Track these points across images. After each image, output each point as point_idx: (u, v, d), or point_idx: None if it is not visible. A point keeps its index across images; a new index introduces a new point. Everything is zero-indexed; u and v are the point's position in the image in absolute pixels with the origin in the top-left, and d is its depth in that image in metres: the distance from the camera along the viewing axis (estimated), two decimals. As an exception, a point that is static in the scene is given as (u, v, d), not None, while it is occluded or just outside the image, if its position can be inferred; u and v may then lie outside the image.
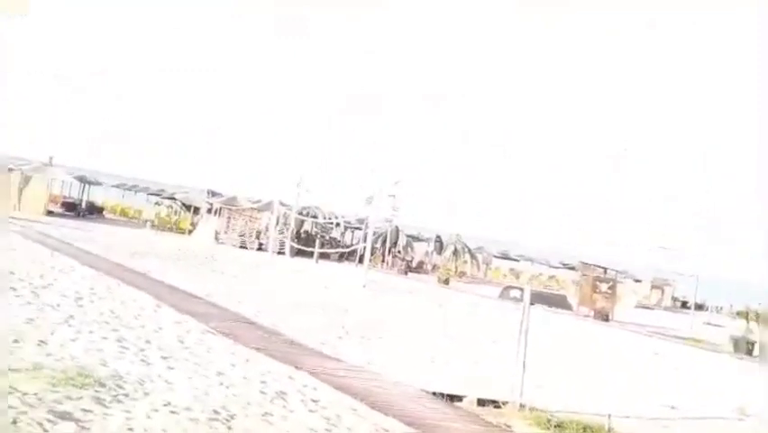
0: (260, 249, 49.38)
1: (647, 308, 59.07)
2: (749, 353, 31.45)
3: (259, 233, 52.41)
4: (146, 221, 55.88)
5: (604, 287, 41.68)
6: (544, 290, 51.41)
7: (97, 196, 63.59)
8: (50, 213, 48.71)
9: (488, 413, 12.35)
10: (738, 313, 34.91)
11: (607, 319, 39.01)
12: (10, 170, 46.04)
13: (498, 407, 12.81)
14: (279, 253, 48.29)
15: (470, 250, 65.26)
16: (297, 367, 13.04)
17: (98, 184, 62.07)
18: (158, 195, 65.08)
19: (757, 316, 33.32)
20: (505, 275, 66.51)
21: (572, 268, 62.56)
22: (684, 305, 64.96)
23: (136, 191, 69.16)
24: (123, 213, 64.56)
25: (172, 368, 11.48)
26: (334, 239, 58.87)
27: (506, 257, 72.40)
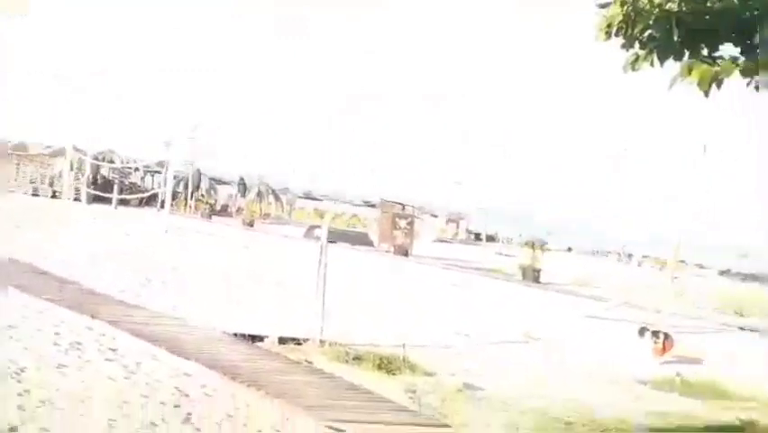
0: (54, 197, 47.23)
1: (444, 241, 61.55)
2: (536, 280, 33.66)
3: (52, 179, 50.08)
4: None
5: (403, 223, 43.01)
6: (347, 229, 52.44)
7: None
8: None
9: (289, 351, 12.64)
10: (526, 243, 37.13)
11: (406, 254, 40.38)
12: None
13: (300, 344, 13.14)
14: (76, 200, 46.39)
15: (274, 191, 65.34)
16: (93, 316, 12.77)
17: None
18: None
19: (542, 245, 35.67)
20: (309, 214, 67.14)
21: (374, 206, 64.10)
22: (477, 237, 68.29)
23: None
24: None
25: (-44, 325, 10.98)
26: (134, 184, 57.21)
27: (310, 197, 73.01)
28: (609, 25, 6.31)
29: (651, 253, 60.94)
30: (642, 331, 16.44)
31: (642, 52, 6.31)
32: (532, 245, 35.31)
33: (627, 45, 6.38)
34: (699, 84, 5.97)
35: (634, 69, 6.41)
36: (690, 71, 6.01)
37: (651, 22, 6.14)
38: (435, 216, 68.90)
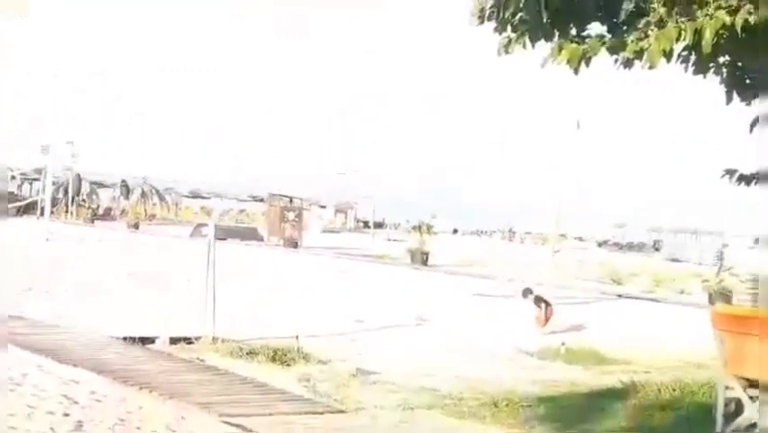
0: None
1: (333, 231, 61.77)
2: (424, 263, 34.25)
3: None
4: None
5: (291, 215, 43.06)
6: (235, 225, 52.04)
7: None
8: None
9: (181, 350, 12.55)
10: (413, 228, 37.69)
11: (296, 246, 40.41)
12: None
13: (191, 343, 13.05)
14: (-54, 213, 44.42)
15: (158, 192, 64.17)
16: (-29, 331, 12.36)
17: None
18: None
19: (429, 228, 36.28)
20: (196, 213, 66.21)
21: (262, 200, 63.71)
22: (366, 225, 68.86)
23: None
24: None
25: None
26: (11, 193, 55.24)
27: (196, 196, 72.05)
28: (482, 10, 6.48)
29: (533, 229, 62.77)
30: (525, 292, 16.97)
31: (514, 35, 6.47)
32: (419, 229, 35.87)
33: (500, 29, 6.54)
34: (569, 62, 6.19)
35: (507, 52, 6.58)
36: (560, 51, 6.25)
37: (521, 5, 6.31)
38: (323, 207, 69.05)
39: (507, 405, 10.03)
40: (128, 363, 11.25)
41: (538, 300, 16.58)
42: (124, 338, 13.05)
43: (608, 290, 28.53)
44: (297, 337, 13.01)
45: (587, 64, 6.24)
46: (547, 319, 16.34)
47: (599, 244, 65.33)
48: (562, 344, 14.50)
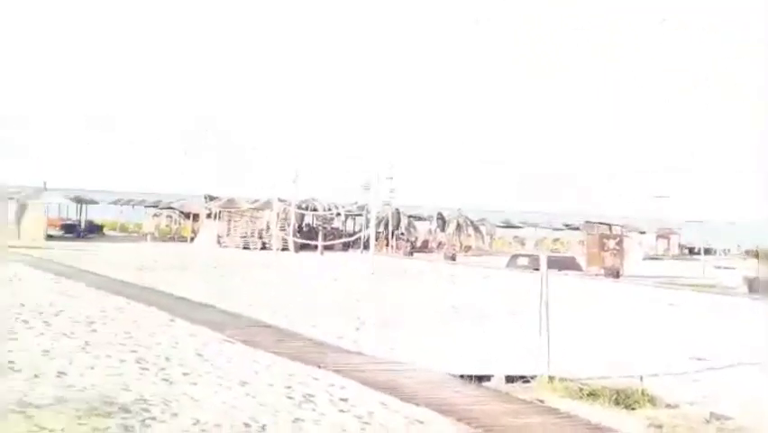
0: (263, 248, 49.31)
1: (656, 258, 58.96)
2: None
3: (261, 232, 52.29)
4: (146, 234, 55.79)
5: (611, 243, 41.52)
6: (552, 254, 51.27)
7: (95, 214, 63.37)
8: (50, 237, 48.60)
9: (518, 390, 12.17)
10: (748, 252, 34.61)
11: (617, 276, 38.81)
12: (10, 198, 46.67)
13: (528, 382, 12.63)
14: (284, 249, 48.17)
15: (472, 223, 65.09)
16: (319, 366, 12.87)
17: (95, 203, 61.84)
18: (155, 206, 64.80)
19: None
20: (510, 243, 66.36)
21: (576, 228, 62.47)
22: (691, 251, 64.96)
23: (133, 205, 68.66)
24: (123, 228, 64.51)
25: (195, 384, 11.31)
26: (337, 229, 58.73)
27: (509, 226, 72.28)
28: None
29: None
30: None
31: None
32: (757, 254, 32.85)
33: None
34: None
35: None
36: None
37: None
38: (643, 233, 66.14)
39: None
40: (468, 403, 11.05)
41: None
42: (460, 376, 12.91)
43: None
44: (641, 379, 12.16)
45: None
46: None
47: None
48: None
